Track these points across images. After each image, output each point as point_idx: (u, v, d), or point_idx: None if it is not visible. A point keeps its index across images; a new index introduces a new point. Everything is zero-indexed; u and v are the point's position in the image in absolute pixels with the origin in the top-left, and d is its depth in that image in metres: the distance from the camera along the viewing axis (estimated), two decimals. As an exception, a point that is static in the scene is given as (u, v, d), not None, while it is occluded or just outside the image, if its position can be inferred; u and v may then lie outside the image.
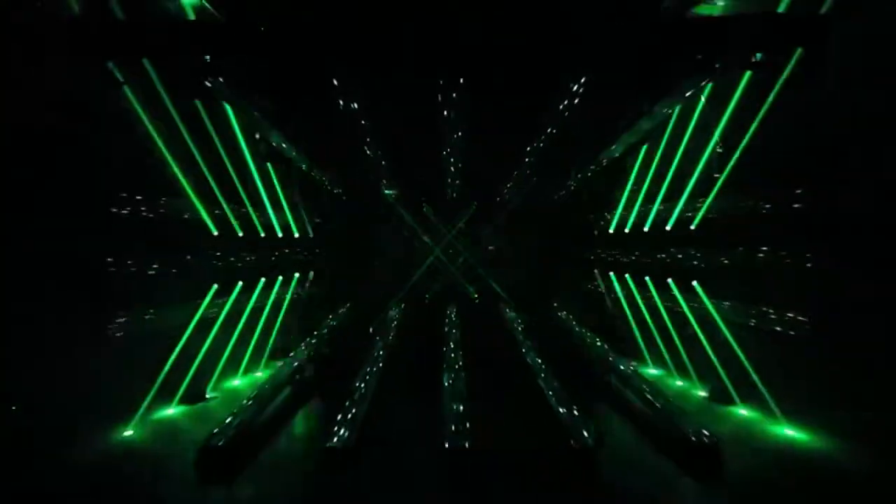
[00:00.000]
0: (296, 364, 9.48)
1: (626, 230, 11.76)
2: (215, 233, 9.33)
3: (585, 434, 6.43)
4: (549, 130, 10.49)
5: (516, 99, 9.91)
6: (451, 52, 8.22)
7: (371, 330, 12.07)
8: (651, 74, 8.58)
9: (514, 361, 9.88)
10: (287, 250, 12.11)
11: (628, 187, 11.66)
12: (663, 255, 10.38)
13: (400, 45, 8.20)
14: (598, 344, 10.41)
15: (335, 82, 8.86)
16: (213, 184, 9.34)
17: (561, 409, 7.17)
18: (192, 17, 8.29)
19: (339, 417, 6.91)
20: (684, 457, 6.36)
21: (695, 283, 9.19)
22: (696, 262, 9.49)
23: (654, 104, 9.17)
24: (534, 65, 8.32)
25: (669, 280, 10.02)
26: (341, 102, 9.40)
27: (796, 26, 7.05)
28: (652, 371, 10.56)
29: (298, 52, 8.18)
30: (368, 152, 11.31)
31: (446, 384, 8.10)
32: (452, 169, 12.71)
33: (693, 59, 7.95)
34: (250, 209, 10.65)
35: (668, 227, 10.19)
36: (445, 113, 9.88)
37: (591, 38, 7.74)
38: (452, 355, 9.43)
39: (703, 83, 8.36)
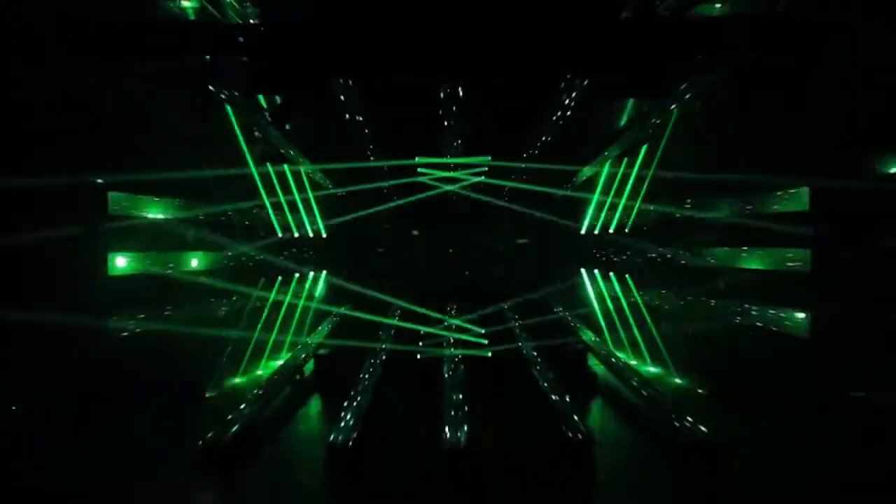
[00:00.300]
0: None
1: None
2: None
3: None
4: (546, 137, 10.49)
5: (516, 99, 9.91)
6: (451, 52, 8.24)
7: None
8: (651, 74, 8.58)
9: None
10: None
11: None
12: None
13: (400, 45, 8.22)
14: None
15: (338, 87, 8.86)
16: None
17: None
18: (192, 17, 8.32)
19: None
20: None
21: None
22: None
23: (654, 104, 9.19)
24: (534, 65, 8.34)
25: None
26: (345, 111, 9.40)
27: (795, 27, 7.07)
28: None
29: (298, 52, 8.21)
30: (371, 158, 11.29)
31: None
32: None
33: (693, 59, 7.98)
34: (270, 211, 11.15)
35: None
36: (445, 123, 9.91)
37: (591, 38, 7.76)
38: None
39: (702, 83, 8.38)
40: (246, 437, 6.64)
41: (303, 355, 9.91)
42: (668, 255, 10.69)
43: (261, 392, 7.90)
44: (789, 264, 7.93)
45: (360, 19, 7.92)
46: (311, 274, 13.21)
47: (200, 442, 6.17)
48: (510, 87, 8.94)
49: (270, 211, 11.33)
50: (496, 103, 9.97)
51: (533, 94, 9.31)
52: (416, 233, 14.50)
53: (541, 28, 7.75)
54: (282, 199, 11.73)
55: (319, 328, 11.68)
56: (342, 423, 6.67)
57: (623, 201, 11.26)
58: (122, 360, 7.49)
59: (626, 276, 11.53)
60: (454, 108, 9.28)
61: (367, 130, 10.21)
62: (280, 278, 11.85)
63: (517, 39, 7.89)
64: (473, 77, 8.63)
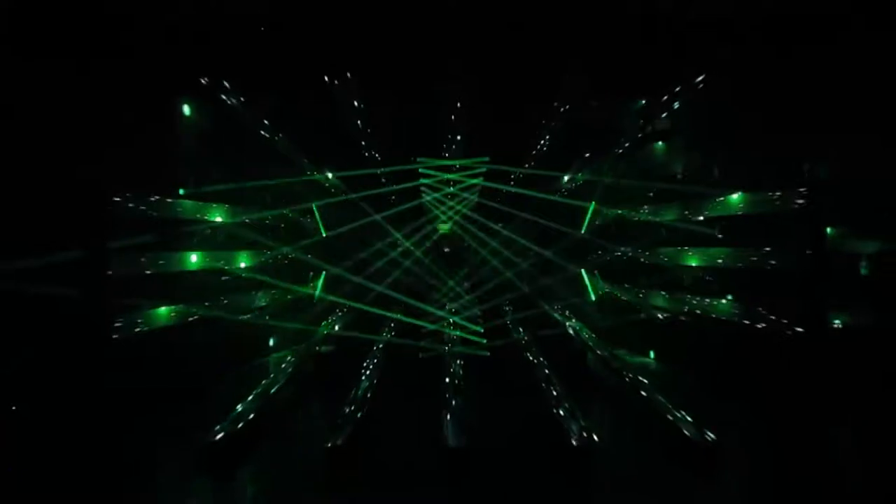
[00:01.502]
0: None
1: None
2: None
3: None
4: (546, 135, 10.53)
5: (517, 99, 9.93)
6: (450, 52, 8.25)
7: None
8: (650, 74, 8.60)
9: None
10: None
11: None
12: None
13: (399, 46, 8.23)
14: None
15: (335, 84, 8.87)
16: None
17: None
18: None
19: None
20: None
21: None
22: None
23: (653, 105, 9.22)
24: (534, 65, 8.35)
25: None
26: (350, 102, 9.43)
27: (795, 26, 7.08)
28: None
29: (298, 52, 8.21)
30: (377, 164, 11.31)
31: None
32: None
33: (692, 59, 8.00)
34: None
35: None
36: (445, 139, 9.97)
37: (591, 39, 7.78)
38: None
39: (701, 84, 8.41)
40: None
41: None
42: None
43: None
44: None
45: (360, 19, 7.93)
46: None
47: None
48: (510, 86, 8.97)
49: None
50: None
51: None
52: None
53: (541, 28, 7.77)
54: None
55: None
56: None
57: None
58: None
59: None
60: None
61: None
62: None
63: (517, 39, 7.90)
64: (473, 77, 8.65)
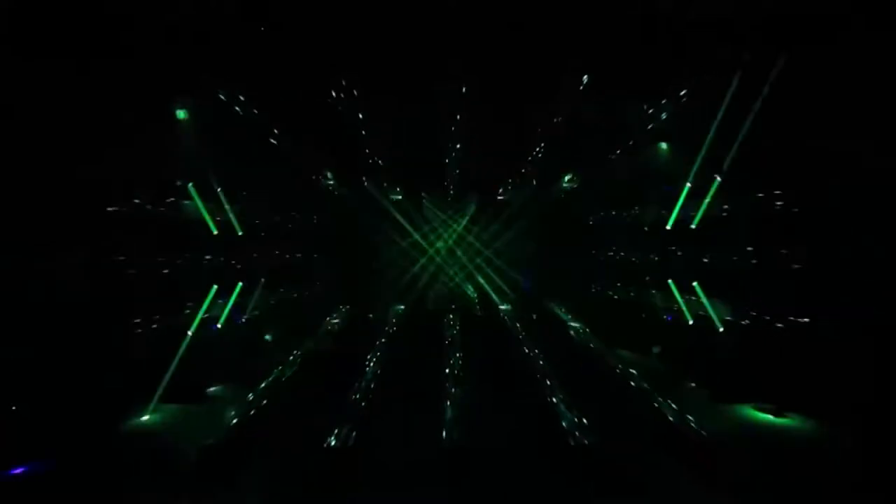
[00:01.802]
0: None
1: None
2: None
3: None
4: (546, 133, 10.52)
5: (516, 100, 9.92)
6: (450, 51, 8.24)
7: None
8: (650, 74, 8.59)
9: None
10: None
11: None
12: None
13: (401, 49, 8.22)
14: None
15: (335, 86, 8.86)
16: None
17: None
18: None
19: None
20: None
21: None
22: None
23: (651, 105, 9.22)
24: (534, 65, 8.34)
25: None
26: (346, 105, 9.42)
27: (795, 26, 7.06)
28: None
29: (298, 54, 8.20)
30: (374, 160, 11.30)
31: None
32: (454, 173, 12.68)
33: (692, 59, 7.99)
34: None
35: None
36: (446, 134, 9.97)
37: (591, 39, 7.77)
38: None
39: (699, 83, 8.40)
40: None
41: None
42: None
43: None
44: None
45: (361, 21, 7.91)
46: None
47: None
48: (510, 87, 8.96)
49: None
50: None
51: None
52: None
53: (541, 28, 7.75)
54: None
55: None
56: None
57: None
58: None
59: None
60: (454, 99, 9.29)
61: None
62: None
63: (517, 39, 7.89)
64: (473, 77, 8.64)
